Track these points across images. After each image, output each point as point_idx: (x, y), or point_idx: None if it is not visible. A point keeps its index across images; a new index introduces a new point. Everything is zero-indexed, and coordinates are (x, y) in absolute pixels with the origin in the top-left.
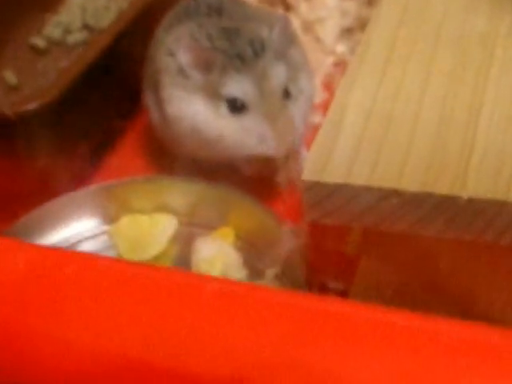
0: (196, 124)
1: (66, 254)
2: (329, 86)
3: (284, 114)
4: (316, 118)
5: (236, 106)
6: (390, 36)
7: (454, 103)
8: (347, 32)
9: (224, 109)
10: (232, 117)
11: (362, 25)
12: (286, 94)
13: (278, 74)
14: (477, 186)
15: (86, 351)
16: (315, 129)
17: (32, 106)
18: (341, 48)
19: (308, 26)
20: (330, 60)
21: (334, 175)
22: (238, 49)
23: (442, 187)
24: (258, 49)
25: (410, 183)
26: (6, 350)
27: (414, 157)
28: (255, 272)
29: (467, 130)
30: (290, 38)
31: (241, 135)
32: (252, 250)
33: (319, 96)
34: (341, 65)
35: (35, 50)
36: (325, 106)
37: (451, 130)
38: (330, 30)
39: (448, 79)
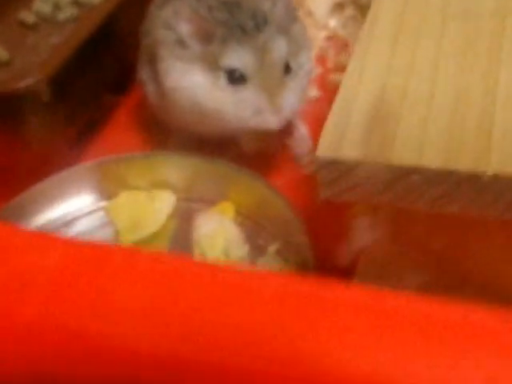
0: (194, 95)
1: (103, 249)
2: (321, 61)
3: (283, 88)
4: (312, 93)
5: (235, 78)
6: (397, 10)
7: (469, 77)
8: (339, 6)
9: (222, 80)
10: (230, 88)
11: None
12: (287, 69)
13: (279, 48)
14: (501, 161)
15: (127, 349)
16: (311, 103)
17: (25, 82)
18: (333, 22)
19: (300, 1)
20: (323, 34)
21: (351, 152)
22: (239, 21)
23: (465, 163)
24: (260, 22)
25: (431, 160)
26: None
27: (433, 133)
28: (257, 248)
29: (485, 103)
30: (292, 14)
31: (237, 107)
32: (253, 225)
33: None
34: (333, 39)
35: (25, 25)
36: (318, 81)
37: (468, 104)
38: (322, 5)
39: (461, 52)
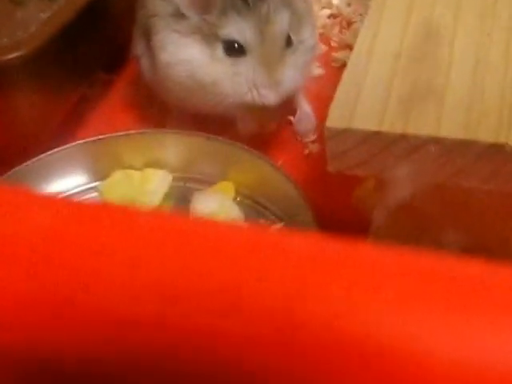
0: (190, 68)
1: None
2: (325, 39)
3: (282, 63)
4: (316, 71)
5: (233, 50)
6: None
7: (489, 43)
8: None
9: (220, 51)
10: (228, 60)
11: None
12: (288, 43)
13: (281, 21)
14: None
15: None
16: (315, 81)
17: (12, 55)
18: (336, 0)
19: None
20: (326, 12)
21: (364, 122)
22: None
23: (486, 134)
24: None
25: (450, 130)
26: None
27: (451, 102)
28: None
29: (506, 71)
30: None
31: (234, 80)
32: (254, 205)
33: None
34: (337, 17)
35: (13, 1)
36: (322, 59)
37: (488, 72)
38: None
39: (479, 16)
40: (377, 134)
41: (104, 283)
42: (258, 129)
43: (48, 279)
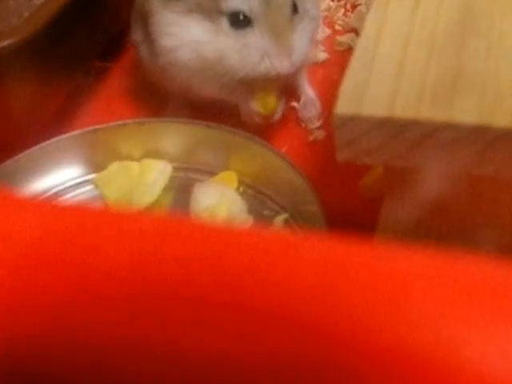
0: (195, 48)
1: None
2: (329, 22)
3: (291, 30)
4: (320, 55)
5: (239, 21)
6: None
7: (503, 25)
8: None
9: (225, 25)
10: (234, 33)
11: None
12: (294, 9)
13: None
14: None
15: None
16: (318, 66)
17: (5, 43)
18: None
19: None
20: None
21: (374, 108)
22: None
23: (502, 119)
24: None
25: (464, 115)
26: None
27: (464, 85)
28: (262, 219)
29: None
30: None
31: (243, 53)
32: (257, 195)
33: (321, 32)
34: (341, 0)
35: None
36: (326, 43)
37: (502, 54)
38: None
39: (492, 1)
40: (388, 119)
41: (91, 293)
42: (262, 117)
43: (33, 286)
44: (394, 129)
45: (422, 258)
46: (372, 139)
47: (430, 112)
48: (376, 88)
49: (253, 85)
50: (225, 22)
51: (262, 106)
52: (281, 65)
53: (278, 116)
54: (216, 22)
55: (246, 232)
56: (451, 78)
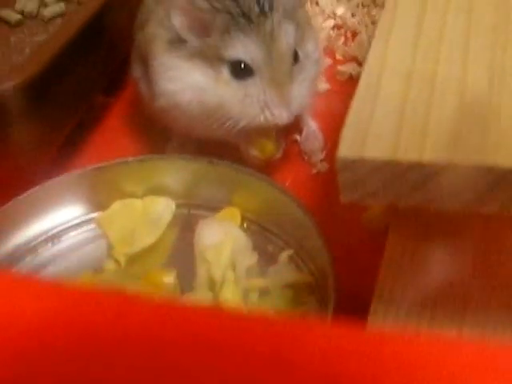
0: (195, 93)
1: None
2: (330, 51)
3: (291, 80)
4: (321, 86)
5: (240, 70)
6: None
7: (505, 60)
8: None
9: (226, 73)
10: (234, 81)
11: None
12: (295, 58)
13: (287, 35)
14: None
15: None
16: (320, 97)
17: (7, 84)
18: (340, 10)
19: None
20: (330, 23)
21: (377, 150)
22: (243, 7)
23: (504, 159)
24: (266, 7)
25: (467, 156)
26: None
27: (467, 125)
28: (267, 256)
29: None
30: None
31: (244, 103)
32: (261, 231)
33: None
34: (341, 28)
35: (8, 23)
36: (327, 73)
37: (505, 91)
38: None
39: (493, 33)
40: (391, 162)
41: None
42: (262, 157)
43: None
44: (397, 170)
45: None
46: (375, 181)
47: (433, 153)
48: (378, 129)
49: (251, 131)
50: (226, 71)
51: (260, 151)
52: (280, 115)
53: (277, 157)
54: (217, 69)
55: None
56: (454, 116)
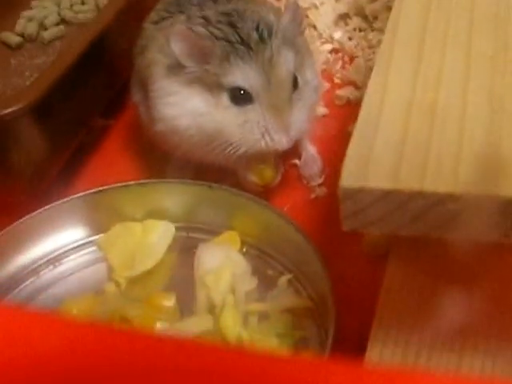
0: (195, 119)
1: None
2: (327, 75)
3: (290, 106)
4: (319, 110)
5: (239, 97)
6: (419, 18)
7: (504, 90)
8: (343, 18)
9: (225, 99)
10: (234, 108)
11: (357, 10)
12: (294, 84)
13: (286, 62)
14: None
15: None
16: (318, 121)
17: (10, 109)
18: (338, 35)
19: (302, 13)
20: (328, 47)
21: (379, 180)
22: (242, 34)
23: (506, 189)
24: (265, 34)
25: (469, 185)
26: None
27: (469, 154)
28: (266, 280)
29: None
30: (299, 26)
31: (244, 129)
32: (261, 255)
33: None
34: (339, 52)
35: (8, 46)
36: (325, 97)
37: (505, 120)
38: (326, 16)
39: (492, 63)
40: (393, 191)
41: None
42: (261, 184)
43: None
44: (398, 200)
45: None
46: (377, 210)
47: (434, 183)
48: (380, 159)
49: (250, 157)
50: (225, 97)
51: (258, 178)
52: (280, 141)
53: (275, 184)
54: (216, 95)
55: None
56: (454, 147)
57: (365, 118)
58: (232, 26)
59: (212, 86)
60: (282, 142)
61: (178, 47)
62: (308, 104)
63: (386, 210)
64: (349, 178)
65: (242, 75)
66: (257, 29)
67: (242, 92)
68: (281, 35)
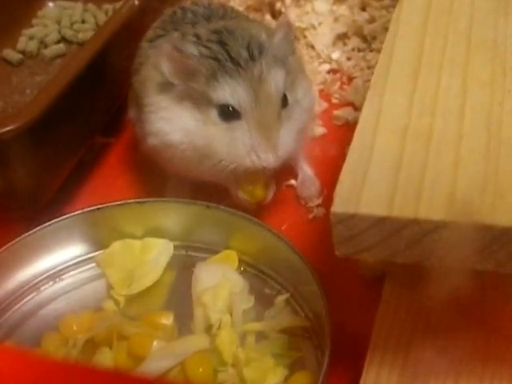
0: (184, 135)
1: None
2: (325, 95)
3: (279, 125)
4: (317, 130)
5: (228, 113)
6: (415, 43)
7: (501, 115)
8: (341, 38)
9: (214, 116)
10: (222, 125)
11: (355, 30)
12: (284, 102)
13: (275, 80)
14: None
15: None
16: (316, 141)
17: (9, 127)
18: (336, 55)
19: (300, 34)
20: (326, 68)
21: (372, 207)
22: (231, 51)
23: (504, 217)
24: (255, 52)
25: (465, 213)
26: None
27: (465, 181)
28: (263, 299)
29: None
30: (290, 46)
31: (231, 145)
32: (258, 274)
33: (317, 106)
34: (337, 72)
35: (9, 63)
36: (322, 117)
37: (503, 146)
38: (324, 37)
39: (489, 88)
40: (386, 219)
41: None
42: (251, 204)
43: None
44: (392, 227)
45: None
46: (370, 237)
47: (429, 211)
48: (373, 185)
49: (240, 175)
50: (214, 113)
51: (249, 196)
52: (266, 159)
53: (267, 201)
54: (205, 112)
55: None
56: (449, 173)
57: (359, 143)
58: (222, 43)
59: (201, 102)
60: (268, 160)
61: (165, 66)
62: (297, 123)
63: (380, 236)
64: (341, 203)
65: (231, 92)
66: (247, 47)
67: (230, 109)
68: (271, 54)
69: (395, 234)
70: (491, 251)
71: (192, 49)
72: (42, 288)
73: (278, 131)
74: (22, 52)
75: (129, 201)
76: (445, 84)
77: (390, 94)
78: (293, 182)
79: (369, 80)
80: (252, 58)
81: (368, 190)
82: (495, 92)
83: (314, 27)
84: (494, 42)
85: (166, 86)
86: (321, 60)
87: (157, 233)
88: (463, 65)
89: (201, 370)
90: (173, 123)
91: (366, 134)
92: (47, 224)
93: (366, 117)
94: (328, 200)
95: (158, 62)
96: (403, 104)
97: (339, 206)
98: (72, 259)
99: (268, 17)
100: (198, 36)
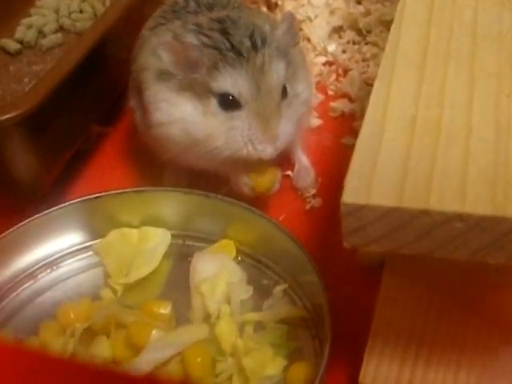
0: (184, 125)
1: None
2: (321, 87)
3: (278, 116)
4: (313, 121)
5: (228, 103)
6: (420, 34)
7: (509, 106)
8: (337, 31)
9: (214, 105)
10: (222, 114)
11: (351, 23)
12: (283, 93)
13: (277, 72)
14: None
15: None
16: (312, 132)
17: (7, 115)
18: (332, 47)
19: (297, 25)
20: (322, 60)
21: (382, 197)
22: (234, 41)
23: None
24: (258, 42)
25: (476, 205)
26: None
27: (475, 173)
28: (261, 289)
29: None
30: (294, 38)
31: (230, 134)
32: (256, 264)
33: (314, 98)
34: (333, 65)
35: (7, 52)
36: (318, 109)
37: (511, 138)
38: (320, 29)
39: (496, 79)
40: (396, 209)
41: None
42: (256, 192)
43: None
44: (402, 218)
45: None
46: (380, 228)
47: (440, 202)
48: (383, 176)
49: (244, 164)
50: (214, 102)
51: (254, 184)
52: (264, 150)
53: (272, 192)
54: (205, 101)
55: None
56: (460, 166)
57: (367, 135)
58: (224, 32)
59: (201, 92)
60: (266, 151)
61: (165, 56)
62: (296, 115)
63: (389, 228)
64: (351, 194)
65: (232, 81)
66: (250, 36)
67: (230, 98)
68: (274, 45)
69: (405, 226)
70: (503, 243)
71: (192, 38)
72: (40, 276)
73: (277, 123)
74: (20, 41)
75: (126, 190)
76: (451, 75)
77: (396, 85)
78: (289, 172)
79: (364, 72)
80: (255, 47)
81: (378, 180)
82: (502, 83)
83: (310, 20)
84: (499, 33)
85: (165, 76)
86: (317, 52)
87: (155, 222)
88: (469, 56)
89: (200, 359)
90: (172, 113)
91: (374, 124)
92: (45, 212)
93: (373, 107)
94: (324, 190)
95: (158, 51)
96: (411, 95)
97: (349, 197)
98: (69, 247)
99: (264, 9)
100: (199, 25)
